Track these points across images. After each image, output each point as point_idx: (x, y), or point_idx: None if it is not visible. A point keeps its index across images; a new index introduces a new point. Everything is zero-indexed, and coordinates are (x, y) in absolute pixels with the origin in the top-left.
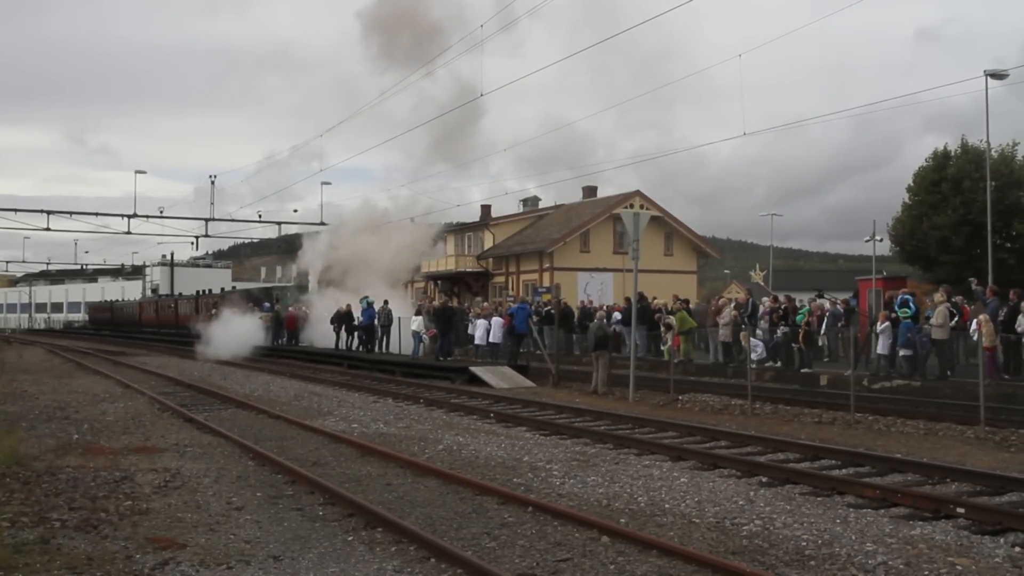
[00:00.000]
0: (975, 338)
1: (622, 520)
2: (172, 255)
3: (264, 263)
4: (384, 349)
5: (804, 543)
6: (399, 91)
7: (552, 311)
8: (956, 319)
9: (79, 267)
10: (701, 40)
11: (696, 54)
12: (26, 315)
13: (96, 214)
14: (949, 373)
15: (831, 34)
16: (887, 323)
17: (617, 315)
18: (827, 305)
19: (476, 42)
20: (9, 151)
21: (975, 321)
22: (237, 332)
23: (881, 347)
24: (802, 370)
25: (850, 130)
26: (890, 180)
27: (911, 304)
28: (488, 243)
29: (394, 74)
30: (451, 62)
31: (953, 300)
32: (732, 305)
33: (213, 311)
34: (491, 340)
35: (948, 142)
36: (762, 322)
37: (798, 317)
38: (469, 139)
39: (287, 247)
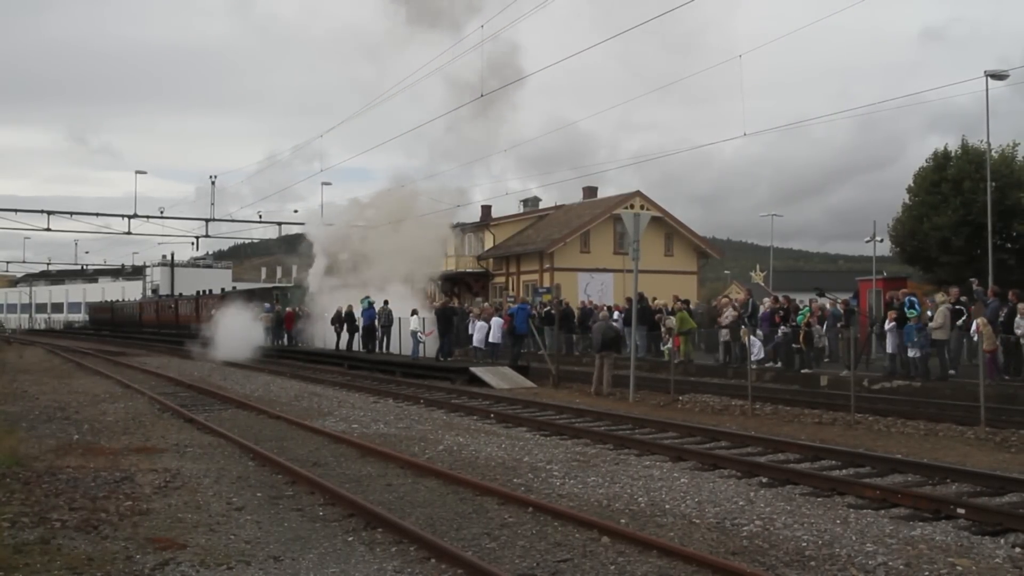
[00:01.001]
0: (976, 339)
1: (622, 520)
2: (172, 255)
3: (264, 263)
4: (384, 349)
5: (804, 543)
6: (415, 78)
7: (552, 311)
8: (964, 319)
9: (79, 267)
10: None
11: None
12: (26, 315)
13: (96, 214)
14: (953, 372)
15: (835, 34)
16: (893, 323)
17: (616, 315)
18: (827, 305)
19: (478, 42)
20: (10, 151)
21: (975, 323)
22: (238, 333)
23: (889, 346)
24: (802, 371)
25: (853, 130)
26: (894, 180)
27: (916, 305)
28: (488, 243)
29: (417, 45)
30: (454, 59)
31: (961, 300)
32: (735, 305)
33: (214, 311)
34: (491, 341)
35: (950, 142)
36: (763, 323)
37: (798, 317)
38: (493, 123)
39: (287, 247)
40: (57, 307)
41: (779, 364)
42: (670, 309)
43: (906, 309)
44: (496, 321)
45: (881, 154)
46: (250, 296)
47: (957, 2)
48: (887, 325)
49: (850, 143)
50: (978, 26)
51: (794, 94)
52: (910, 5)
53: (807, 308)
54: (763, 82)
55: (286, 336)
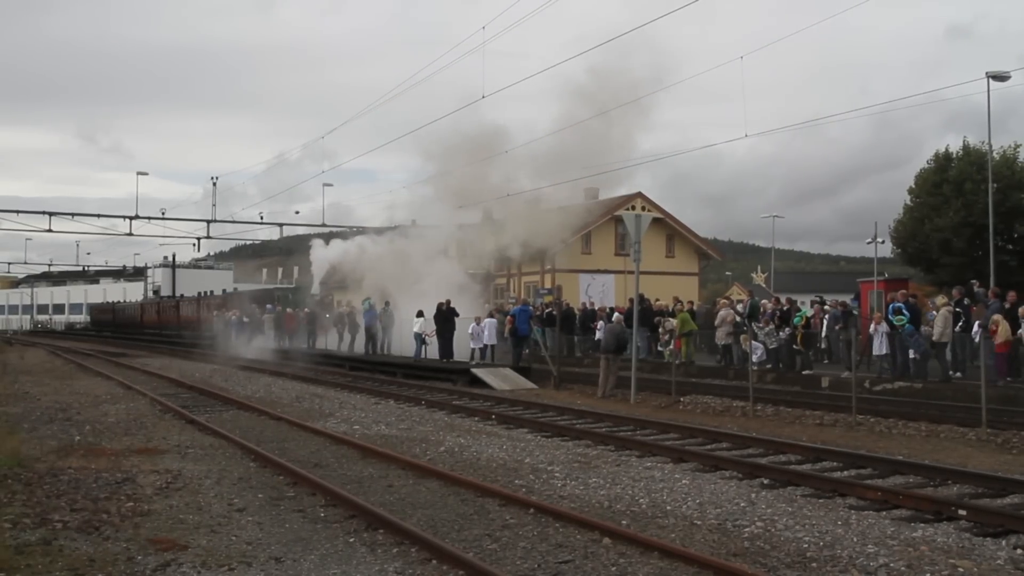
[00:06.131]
0: (977, 340)
1: (624, 522)
2: (174, 257)
3: (266, 264)
4: (386, 350)
5: (806, 545)
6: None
7: (554, 313)
8: (963, 321)
9: (81, 268)
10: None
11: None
12: (28, 316)
13: (98, 215)
14: (960, 375)
15: (859, 32)
16: (883, 324)
17: (617, 316)
18: (827, 306)
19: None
20: (12, 152)
21: (976, 323)
22: (240, 334)
23: (877, 348)
24: (804, 372)
25: (869, 129)
26: (908, 181)
27: (904, 311)
28: (489, 244)
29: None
30: (455, 62)
31: (965, 302)
32: (733, 311)
33: (215, 312)
34: (487, 342)
35: (963, 140)
36: (763, 324)
37: (795, 319)
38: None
39: (288, 249)
40: (59, 308)
41: (780, 366)
42: (670, 310)
43: (891, 316)
44: (490, 322)
45: (897, 153)
46: (253, 297)
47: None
48: (872, 327)
49: (866, 142)
50: (1005, 23)
51: (815, 92)
52: (936, 2)
53: (802, 311)
54: (777, 81)
55: (287, 337)
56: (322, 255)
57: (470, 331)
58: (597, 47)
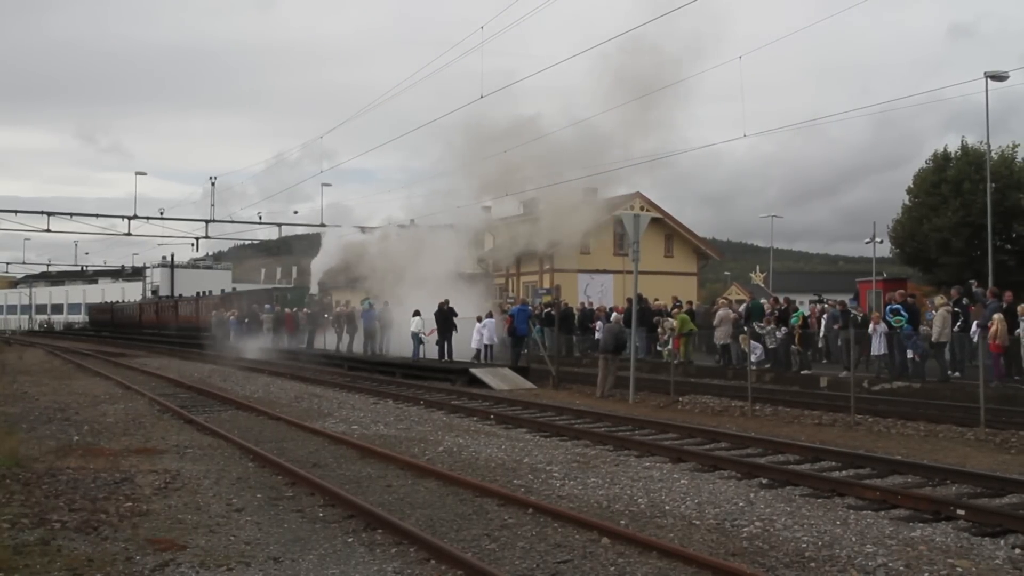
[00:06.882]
0: (975, 340)
1: (622, 522)
2: (172, 257)
3: (265, 264)
4: (384, 350)
5: (804, 545)
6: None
7: (552, 312)
8: (961, 321)
9: (79, 268)
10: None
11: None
12: (26, 316)
13: (96, 215)
14: (959, 375)
15: (860, 31)
16: (881, 324)
17: (615, 315)
18: (826, 306)
19: (478, 43)
20: (11, 152)
21: (974, 323)
22: (239, 334)
23: (876, 348)
24: (802, 372)
25: (870, 129)
26: (908, 181)
27: (902, 312)
28: (488, 244)
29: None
30: (458, 60)
31: (963, 302)
32: (732, 311)
33: (214, 313)
34: (485, 342)
35: (962, 140)
36: (763, 324)
37: (792, 319)
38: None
39: (288, 248)
40: (57, 308)
41: (773, 365)
42: (669, 310)
43: (889, 317)
44: (491, 322)
45: (896, 153)
46: (250, 297)
47: None
48: (870, 327)
49: (865, 142)
50: (1007, 23)
51: (815, 92)
52: (937, 2)
53: (799, 311)
54: (781, 81)
55: (286, 337)
56: (335, 244)
57: (477, 332)
58: (606, 41)
